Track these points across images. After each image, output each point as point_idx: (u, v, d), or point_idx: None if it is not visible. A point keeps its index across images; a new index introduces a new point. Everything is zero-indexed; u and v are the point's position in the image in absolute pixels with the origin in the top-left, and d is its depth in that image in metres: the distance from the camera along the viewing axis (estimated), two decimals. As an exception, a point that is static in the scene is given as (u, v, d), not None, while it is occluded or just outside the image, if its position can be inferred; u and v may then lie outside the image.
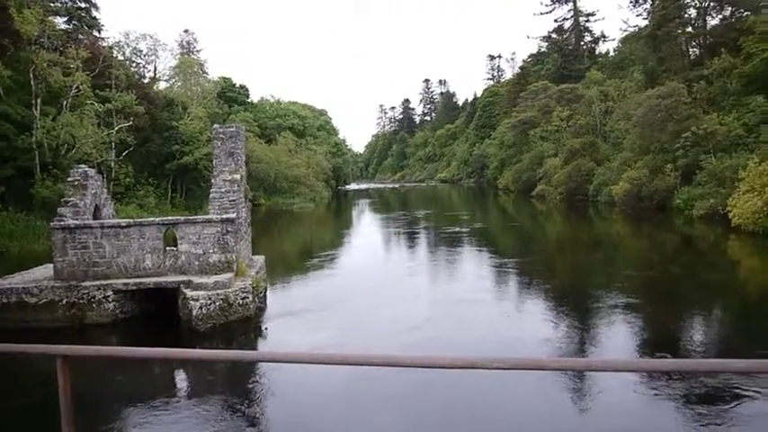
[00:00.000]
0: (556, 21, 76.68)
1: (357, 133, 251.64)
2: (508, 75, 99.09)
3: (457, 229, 30.62)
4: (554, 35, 76.30)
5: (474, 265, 20.54)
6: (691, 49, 41.41)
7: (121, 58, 42.51)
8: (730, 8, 38.96)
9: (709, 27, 39.95)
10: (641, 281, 16.41)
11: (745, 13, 36.99)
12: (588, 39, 75.83)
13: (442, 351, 9.98)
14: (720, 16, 39.93)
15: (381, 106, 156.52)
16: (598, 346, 10.70)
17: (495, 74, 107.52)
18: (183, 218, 14.28)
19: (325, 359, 2.18)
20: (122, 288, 12.88)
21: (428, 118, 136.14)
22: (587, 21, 75.51)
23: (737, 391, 7.70)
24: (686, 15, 40.39)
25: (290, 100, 75.15)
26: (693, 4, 40.22)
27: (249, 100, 65.86)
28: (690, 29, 40.44)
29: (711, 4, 39.55)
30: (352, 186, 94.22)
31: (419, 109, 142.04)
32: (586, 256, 22.11)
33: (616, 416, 7.45)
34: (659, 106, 32.85)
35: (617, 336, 11.15)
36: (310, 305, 14.23)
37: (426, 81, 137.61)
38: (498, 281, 17.26)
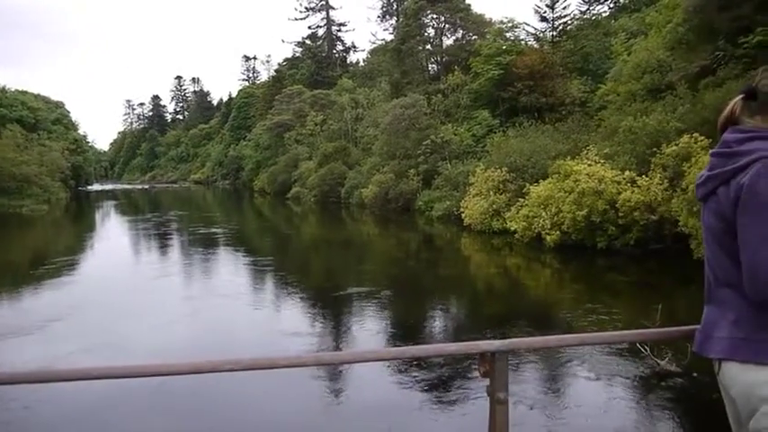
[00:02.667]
0: (310, 28, 78.83)
1: (101, 129, 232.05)
2: (264, 77, 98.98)
3: (212, 230, 29.84)
4: (308, 41, 78.35)
5: (229, 265, 20.23)
6: (430, 65, 45.36)
7: None
8: (462, 31, 43.62)
9: (445, 46, 44.19)
10: (387, 276, 17.60)
11: (474, 36, 41.75)
12: (340, 48, 79.21)
13: (195, 353, 9.61)
14: (454, 38, 44.48)
15: (129, 101, 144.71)
16: (348, 336, 11.24)
17: (251, 75, 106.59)
18: None
19: (44, 377, 1.94)
20: None
21: (181, 116, 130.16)
22: (339, 30, 78.83)
23: (457, 368, 8.61)
24: (426, 34, 44.20)
25: (18, 89, 66.42)
26: (432, 24, 44.16)
27: (-35, 86, 56.88)
28: (429, 46, 44.36)
29: (446, 26, 43.84)
30: (96, 187, 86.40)
31: (171, 107, 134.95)
32: (338, 254, 23.07)
33: (357, 406, 7.83)
34: (403, 115, 35.47)
35: (365, 326, 11.80)
36: (42, 317, 12.69)
37: (178, 78, 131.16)
38: (254, 279, 17.25)
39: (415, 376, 8.57)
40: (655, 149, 17.61)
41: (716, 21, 19.39)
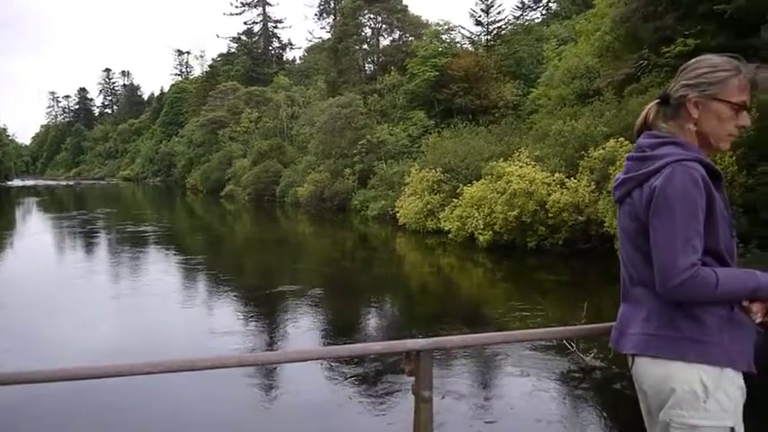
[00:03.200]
0: (246, 23, 77.58)
1: (22, 122, 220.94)
2: (197, 72, 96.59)
3: (141, 228, 28.95)
4: (244, 37, 77.05)
5: (159, 263, 19.67)
6: (366, 65, 45.43)
7: None
8: (399, 32, 43.91)
9: (381, 46, 44.37)
10: (321, 275, 17.53)
11: (410, 37, 42.09)
12: (276, 45, 78.32)
13: (121, 354, 9.30)
14: (391, 38, 44.73)
15: (53, 94, 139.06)
16: (280, 335, 11.13)
17: (184, 70, 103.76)
18: None
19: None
20: None
21: (109, 110, 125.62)
22: (276, 27, 77.91)
23: (388, 364, 8.67)
24: (363, 33, 44.26)
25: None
26: (369, 24, 44.28)
27: None
28: (366, 46, 44.44)
29: (383, 26, 44.04)
30: (17, 182, 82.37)
31: (98, 100, 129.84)
32: (272, 253, 22.81)
33: (285, 406, 7.78)
34: (339, 114, 35.38)
35: (298, 325, 11.72)
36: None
37: (107, 71, 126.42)
38: (184, 278, 16.83)
39: (343, 373, 8.57)
40: (583, 153, 18.19)
41: (640, 30, 20.20)
